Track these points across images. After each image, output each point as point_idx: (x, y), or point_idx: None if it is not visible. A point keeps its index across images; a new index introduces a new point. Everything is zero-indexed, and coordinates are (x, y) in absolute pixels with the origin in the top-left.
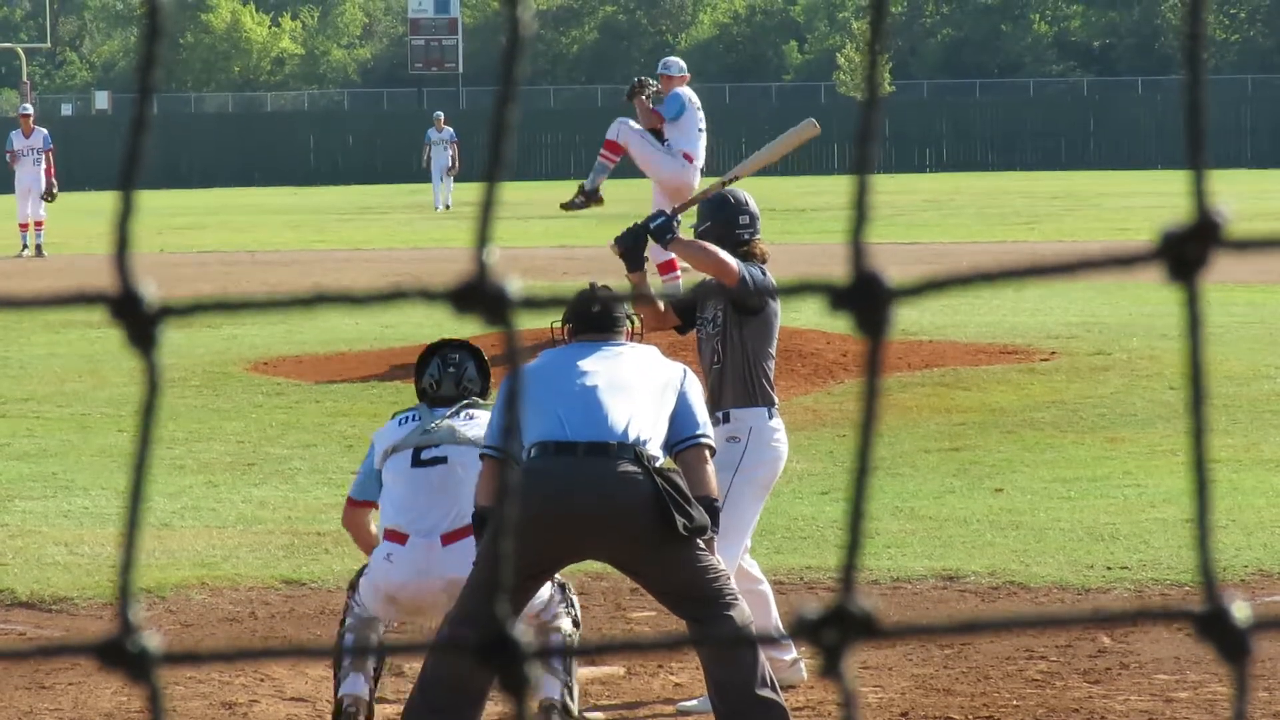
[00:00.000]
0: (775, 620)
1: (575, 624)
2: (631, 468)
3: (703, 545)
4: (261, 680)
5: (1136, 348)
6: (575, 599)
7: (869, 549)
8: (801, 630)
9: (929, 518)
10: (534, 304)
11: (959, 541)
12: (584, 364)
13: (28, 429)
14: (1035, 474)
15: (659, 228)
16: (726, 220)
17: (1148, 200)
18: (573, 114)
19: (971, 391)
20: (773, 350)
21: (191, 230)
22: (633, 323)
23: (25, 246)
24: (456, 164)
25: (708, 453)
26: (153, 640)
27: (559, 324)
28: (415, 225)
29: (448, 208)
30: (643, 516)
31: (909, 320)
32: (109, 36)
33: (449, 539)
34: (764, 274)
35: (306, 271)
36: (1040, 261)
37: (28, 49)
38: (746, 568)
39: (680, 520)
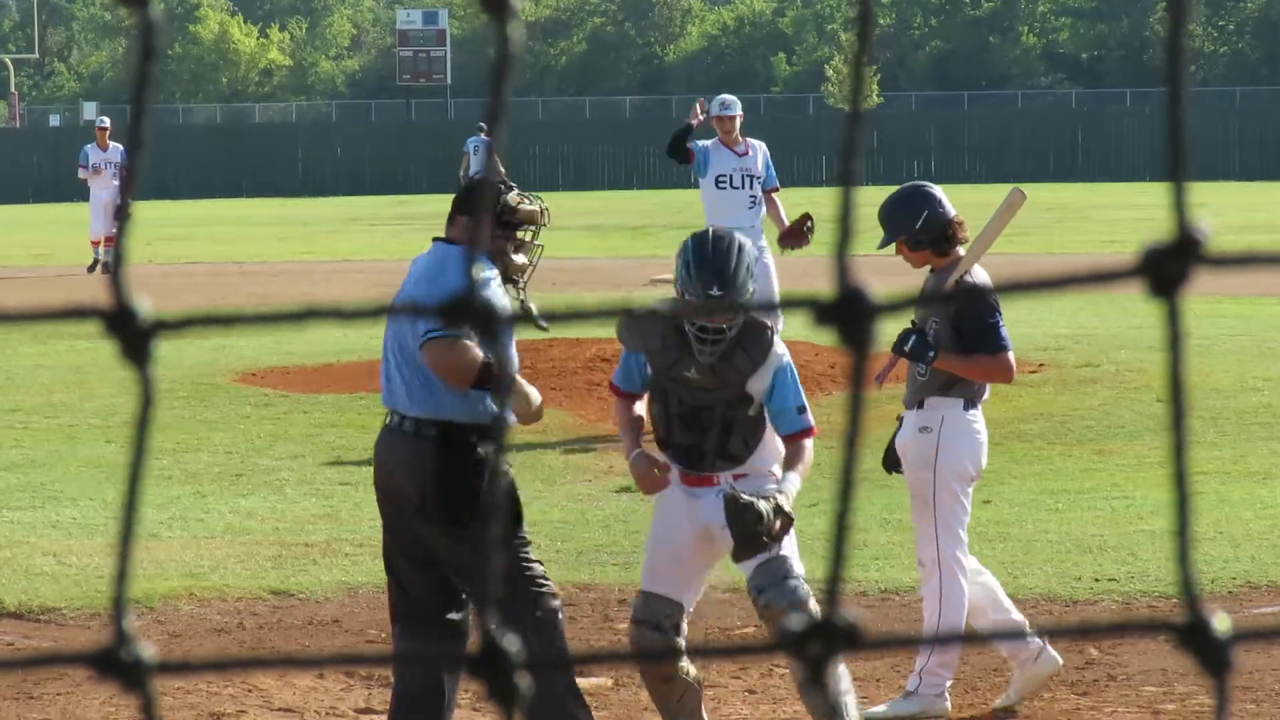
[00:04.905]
0: (1007, 605)
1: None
2: None
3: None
4: (249, 691)
5: (1124, 360)
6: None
7: (857, 560)
8: (786, 642)
9: None
10: (522, 319)
11: None
12: None
13: (15, 440)
14: (1023, 486)
15: (916, 349)
16: None
17: (1136, 212)
18: (561, 125)
19: None
20: None
21: (180, 241)
22: None
23: (97, 261)
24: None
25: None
26: (147, 650)
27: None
28: (403, 236)
29: None
30: None
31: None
32: (97, 47)
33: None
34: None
35: (294, 283)
36: (1022, 277)
37: (15, 60)
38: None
39: None
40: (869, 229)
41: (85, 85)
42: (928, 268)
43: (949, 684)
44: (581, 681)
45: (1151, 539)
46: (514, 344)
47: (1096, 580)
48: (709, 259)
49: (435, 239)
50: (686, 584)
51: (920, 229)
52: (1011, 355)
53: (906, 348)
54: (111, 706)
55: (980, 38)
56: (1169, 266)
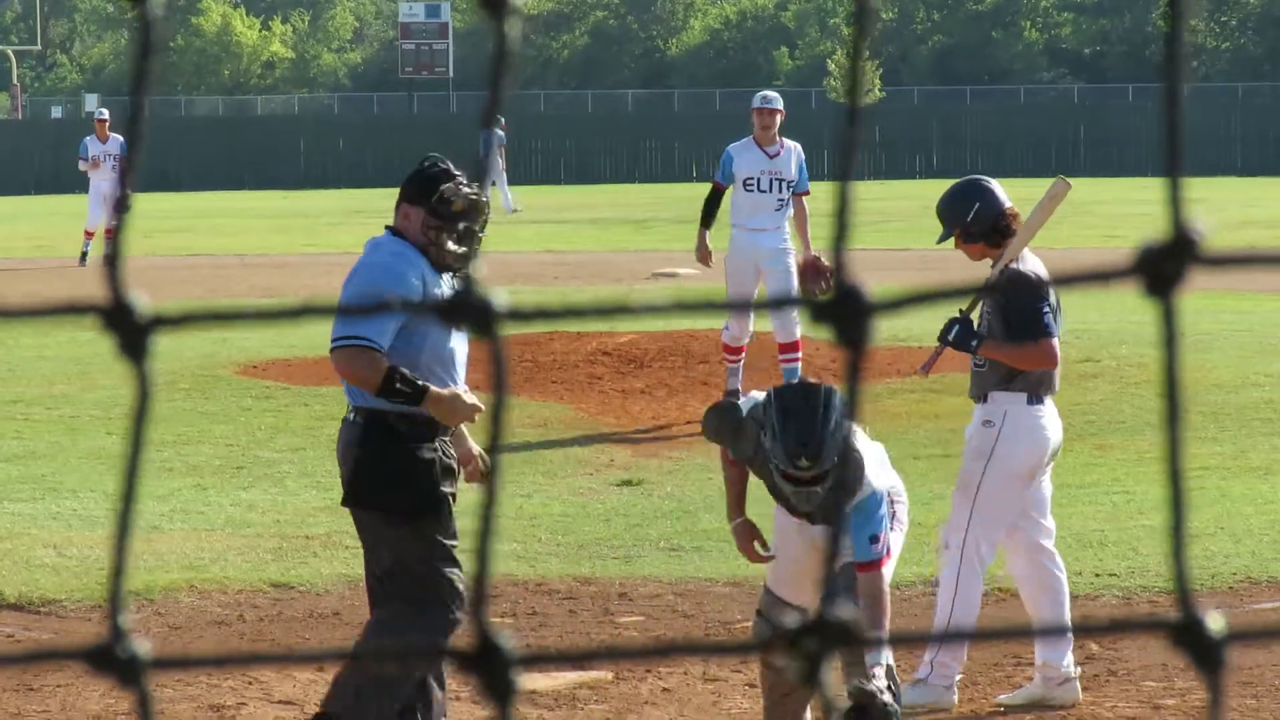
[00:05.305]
0: (1065, 614)
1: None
2: None
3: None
4: (250, 683)
5: (1125, 355)
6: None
7: None
8: (781, 640)
9: (918, 524)
10: (520, 315)
11: None
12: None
13: (16, 431)
14: None
15: (960, 338)
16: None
17: (1138, 207)
18: (563, 119)
19: (961, 397)
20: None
21: (181, 233)
22: None
23: (86, 254)
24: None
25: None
26: (142, 646)
27: None
28: None
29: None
30: None
31: (898, 326)
32: (99, 39)
33: None
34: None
35: (296, 275)
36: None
37: (18, 51)
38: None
39: None
40: (874, 221)
41: (87, 77)
42: (987, 260)
43: (958, 676)
44: (581, 674)
45: (1152, 534)
46: (456, 343)
47: (1097, 575)
48: (793, 427)
49: (386, 227)
50: (806, 591)
51: (971, 221)
52: (1055, 342)
53: (951, 336)
54: (111, 698)
55: (983, 32)
56: (1164, 266)
